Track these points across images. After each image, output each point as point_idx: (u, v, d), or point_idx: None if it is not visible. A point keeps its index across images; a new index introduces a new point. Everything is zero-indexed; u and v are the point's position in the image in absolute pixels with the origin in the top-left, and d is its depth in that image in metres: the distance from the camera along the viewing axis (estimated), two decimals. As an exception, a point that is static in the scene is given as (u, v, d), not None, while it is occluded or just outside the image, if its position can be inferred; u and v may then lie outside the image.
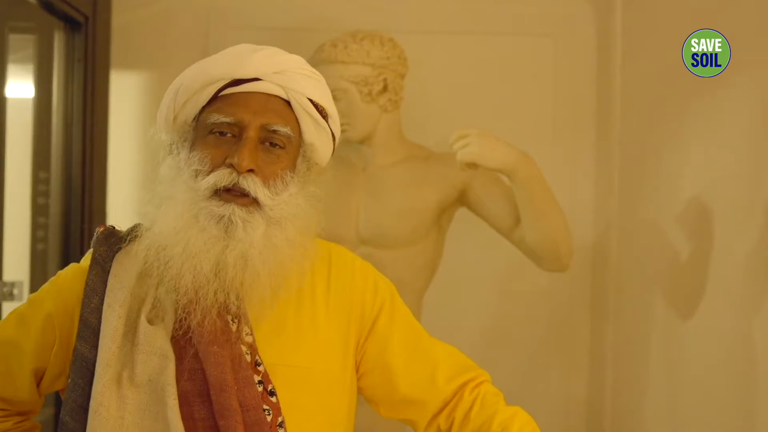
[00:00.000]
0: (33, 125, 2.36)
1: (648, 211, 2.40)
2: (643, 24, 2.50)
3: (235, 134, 1.22)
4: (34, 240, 2.36)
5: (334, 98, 2.06)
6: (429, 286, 2.21)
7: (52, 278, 1.32)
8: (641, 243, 2.45)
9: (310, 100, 1.26)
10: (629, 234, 2.53)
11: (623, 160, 2.57)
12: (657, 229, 2.31)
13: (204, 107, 1.24)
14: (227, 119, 1.21)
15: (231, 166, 1.20)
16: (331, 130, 1.30)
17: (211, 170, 1.20)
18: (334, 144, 1.33)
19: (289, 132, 1.24)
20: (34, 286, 2.20)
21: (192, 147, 1.24)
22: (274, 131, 1.22)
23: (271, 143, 1.23)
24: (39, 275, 2.31)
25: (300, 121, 1.26)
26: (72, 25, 2.40)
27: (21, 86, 2.33)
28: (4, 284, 2.09)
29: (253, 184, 1.20)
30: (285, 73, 1.24)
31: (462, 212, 2.22)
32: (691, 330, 2.11)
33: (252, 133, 1.21)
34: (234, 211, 1.19)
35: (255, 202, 1.21)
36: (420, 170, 2.15)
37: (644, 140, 2.43)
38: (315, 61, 2.13)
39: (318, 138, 1.28)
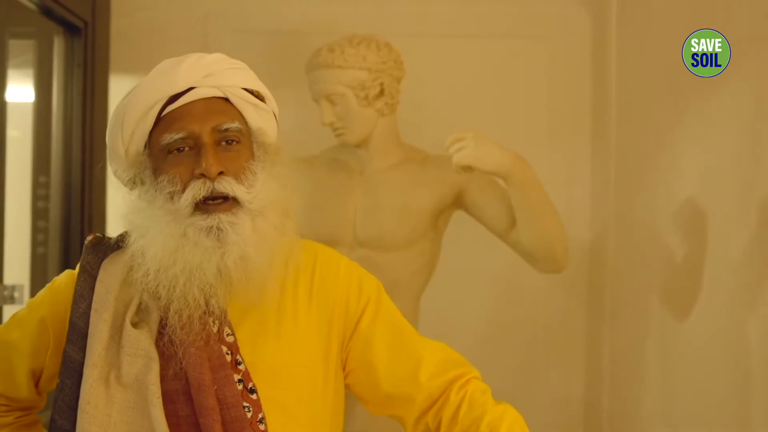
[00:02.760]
0: (33, 129, 2.38)
1: (644, 212, 2.41)
2: (638, 27, 2.51)
3: (192, 146, 1.24)
4: (35, 244, 2.37)
5: (332, 102, 2.13)
6: (426, 288, 2.23)
7: (49, 284, 1.37)
8: (637, 244, 2.46)
9: (245, 90, 1.29)
10: (625, 235, 2.55)
11: (619, 161, 2.58)
12: (653, 230, 2.32)
13: (151, 132, 1.26)
14: (179, 135, 1.23)
15: (202, 176, 1.22)
16: (271, 109, 1.34)
17: (184, 187, 1.23)
18: (276, 120, 1.36)
19: (238, 125, 1.26)
20: (34, 290, 2.21)
21: (155, 173, 1.26)
22: (226, 129, 1.25)
23: (227, 141, 1.26)
24: (39, 279, 2.32)
25: (242, 111, 1.29)
26: (71, 30, 2.42)
27: (21, 91, 2.35)
28: (5, 288, 2.10)
29: (228, 185, 1.23)
30: (214, 74, 1.27)
31: (459, 214, 2.23)
32: (686, 330, 2.13)
33: (207, 139, 1.24)
34: (220, 219, 1.22)
35: (235, 201, 1.24)
36: (416, 173, 2.16)
37: (640, 142, 2.45)
38: (312, 66, 2.15)
39: (263, 121, 1.31)
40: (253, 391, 1.24)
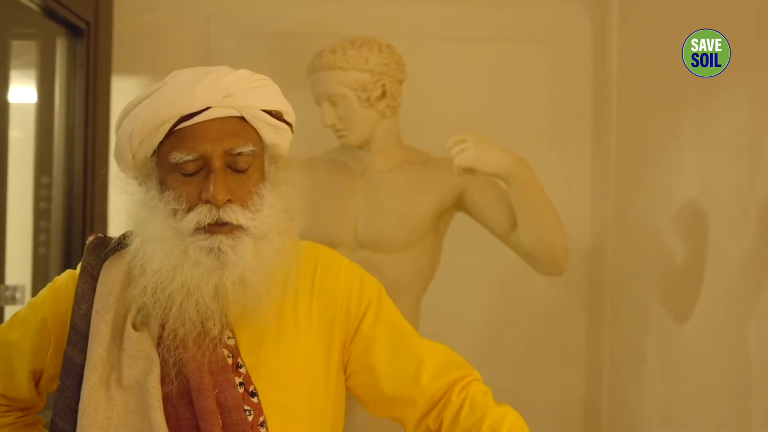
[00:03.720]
0: (35, 130, 2.38)
1: (644, 214, 2.42)
2: (638, 29, 2.52)
3: (201, 167, 1.22)
4: (36, 244, 2.37)
5: (333, 104, 2.13)
6: (427, 290, 2.23)
7: (50, 283, 1.37)
8: (637, 246, 2.46)
9: (264, 111, 1.26)
10: (625, 237, 2.55)
11: (619, 163, 2.59)
12: (653, 232, 2.33)
13: (162, 142, 1.23)
14: (189, 156, 1.20)
15: (208, 201, 1.20)
16: (287, 123, 1.31)
17: (189, 208, 1.21)
18: (292, 130, 1.33)
19: (252, 148, 1.23)
20: (36, 290, 2.21)
21: (161, 183, 1.24)
22: (238, 153, 1.22)
23: (237, 167, 1.23)
24: (41, 279, 2.33)
25: (258, 130, 1.26)
26: (74, 31, 2.42)
27: (23, 91, 2.35)
28: (6, 288, 2.11)
29: (233, 214, 1.21)
30: (234, 94, 1.23)
31: (460, 216, 2.23)
32: (686, 331, 2.13)
33: (217, 163, 1.21)
34: (222, 241, 1.20)
35: (239, 227, 1.22)
36: (417, 175, 2.17)
37: (640, 144, 2.45)
38: (314, 67, 2.16)
39: (278, 137, 1.29)
40: (254, 394, 1.24)
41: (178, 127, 1.22)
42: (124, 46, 2.59)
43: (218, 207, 1.20)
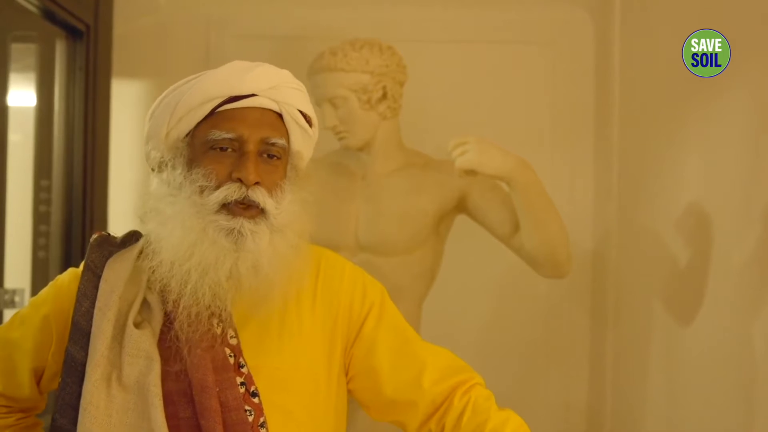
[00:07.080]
0: (35, 133, 2.38)
1: (647, 217, 2.41)
2: (640, 31, 2.52)
3: (236, 149, 1.26)
4: (36, 247, 2.37)
5: (334, 106, 2.13)
6: (429, 293, 2.22)
7: (52, 282, 1.38)
8: (640, 249, 2.46)
9: (300, 111, 1.32)
10: (628, 240, 2.55)
11: (622, 166, 2.58)
12: (656, 235, 2.32)
13: (199, 123, 1.28)
14: (228, 135, 1.25)
15: (238, 180, 1.24)
16: (314, 136, 1.37)
17: (218, 185, 1.24)
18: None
19: (284, 143, 1.29)
20: (35, 294, 2.21)
21: (190, 163, 1.27)
22: (273, 144, 1.28)
23: (269, 155, 1.28)
24: (40, 283, 2.32)
25: (290, 131, 1.32)
26: (73, 34, 2.42)
27: (23, 95, 2.35)
28: (6, 291, 2.11)
29: (261, 196, 1.25)
30: (278, 88, 1.29)
31: (461, 219, 2.23)
32: (690, 335, 2.12)
33: (252, 147, 1.26)
34: (243, 224, 1.24)
35: (261, 211, 1.25)
36: (418, 177, 2.16)
37: (643, 147, 2.45)
38: (314, 69, 2.15)
39: (304, 145, 1.35)
40: (255, 394, 1.25)
41: (220, 109, 1.27)
42: (124, 49, 2.60)
43: (248, 186, 1.24)
